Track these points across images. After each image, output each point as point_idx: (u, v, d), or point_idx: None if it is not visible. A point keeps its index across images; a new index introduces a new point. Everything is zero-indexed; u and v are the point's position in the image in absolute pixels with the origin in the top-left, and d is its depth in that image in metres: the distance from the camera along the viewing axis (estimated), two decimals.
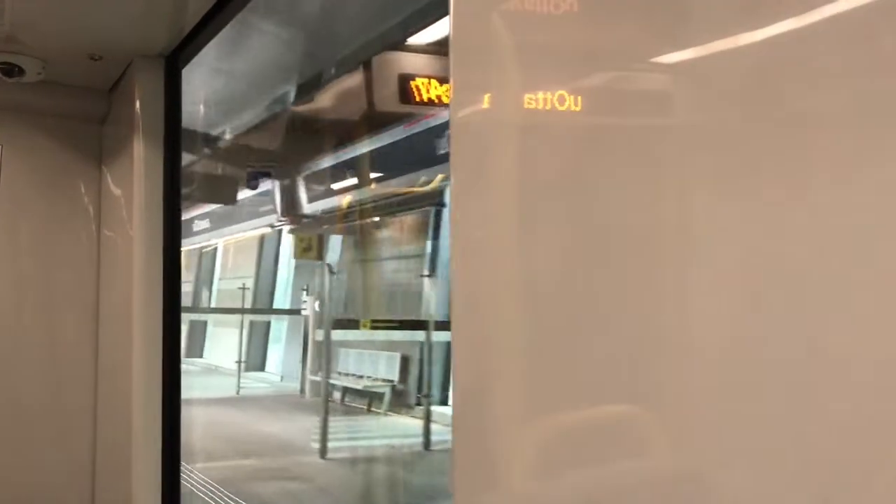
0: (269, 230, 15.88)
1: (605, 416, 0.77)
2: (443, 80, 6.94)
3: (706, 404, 0.66)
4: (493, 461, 0.91)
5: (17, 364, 2.62)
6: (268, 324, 18.44)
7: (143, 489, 2.25)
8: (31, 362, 2.65)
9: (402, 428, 11.19)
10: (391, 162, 10.71)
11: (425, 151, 9.32)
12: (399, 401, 12.30)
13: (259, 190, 11.42)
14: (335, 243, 14.33)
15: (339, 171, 11.73)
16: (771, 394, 0.60)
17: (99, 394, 2.67)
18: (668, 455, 0.71)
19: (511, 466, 0.90)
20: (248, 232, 17.14)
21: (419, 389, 11.71)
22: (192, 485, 7.33)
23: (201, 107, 7.69)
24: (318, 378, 12.66)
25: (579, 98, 0.80)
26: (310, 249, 13.08)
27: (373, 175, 11.58)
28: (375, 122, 9.28)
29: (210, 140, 10.04)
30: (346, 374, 13.38)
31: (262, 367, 18.06)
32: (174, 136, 2.38)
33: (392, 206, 12.64)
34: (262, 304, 18.13)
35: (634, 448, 0.74)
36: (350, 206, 12.90)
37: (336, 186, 12.24)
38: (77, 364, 2.67)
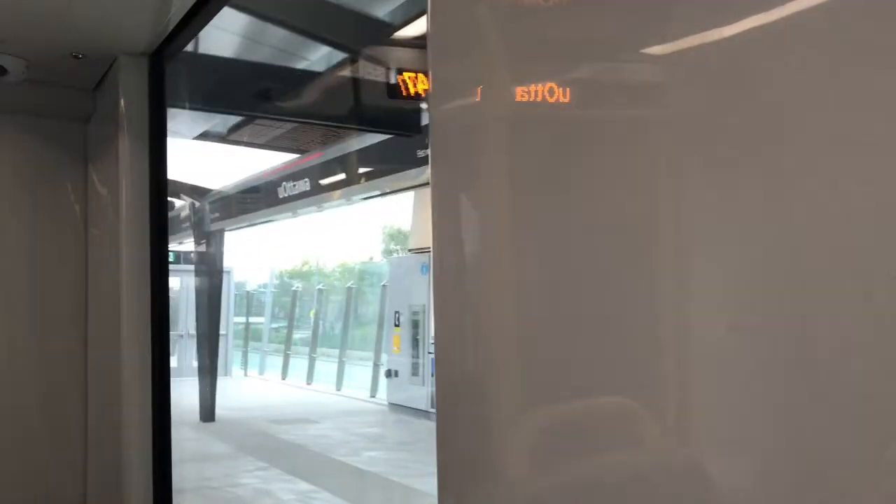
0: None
1: (592, 410, 0.77)
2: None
3: (699, 396, 0.66)
4: (477, 457, 0.90)
5: (7, 363, 2.61)
6: None
7: (135, 484, 2.25)
8: (20, 361, 2.65)
9: None
10: None
11: None
12: None
13: None
14: None
15: None
16: (768, 385, 0.59)
17: (89, 391, 2.67)
18: (659, 447, 0.70)
19: (496, 462, 0.89)
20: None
21: None
22: None
23: None
24: None
25: (561, 90, 0.80)
26: None
27: None
28: None
29: None
30: None
31: None
32: (159, 133, 2.37)
33: None
34: None
35: (622, 440, 0.74)
36: None
37: None
38: (67, 361, 2.68)
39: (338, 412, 11.89)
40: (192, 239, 12.47)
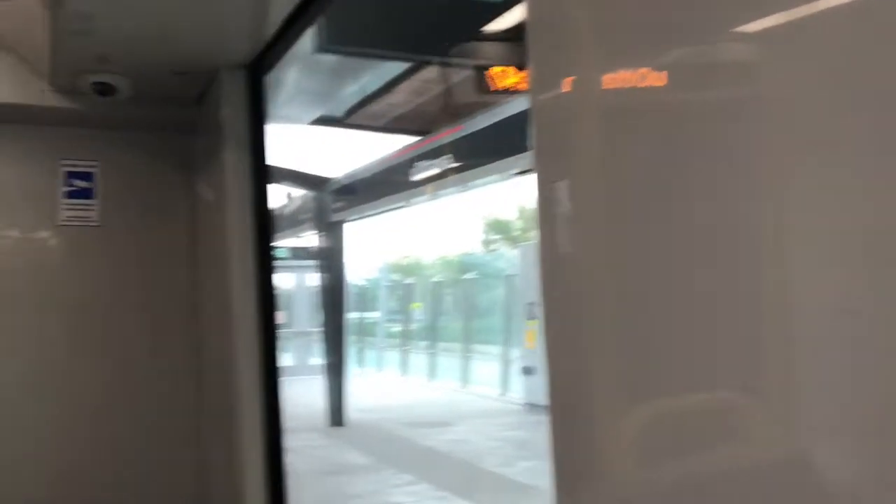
0: None
1: (703, 405, 0.80)
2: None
3: (810, 392, 0.68)
4: (590, 453, 0.94)
5: (122, 366, 2.93)
6: None
7: (250, 482, 2.46)
8: (135, 363, 2.96)
9: None
10: None
11: None
12: None
13: None
14: None
15: None
16: (878, 379, 0.60)
17: (203, 391, 2.96)
18: (771, 441, 0.73)
19: (609, 457, 0.93)
20: None
21: None
22: None
23: None
24: None
25: (663, 75, 0.81)
26: None
27: None
28: None
29: None
30: None
31: None
32: (259, 142, 2.56)
33: None
34: None
35: (733, 434, 0.76)
36: None
37: None
38: (179, 362, 2.97)
39: (471, 413, 11.72)
40: (311, 232, 12.92)
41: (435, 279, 19.69)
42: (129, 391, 2.93)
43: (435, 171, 9.82)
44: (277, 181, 11.86)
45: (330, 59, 6.42)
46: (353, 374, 17.13)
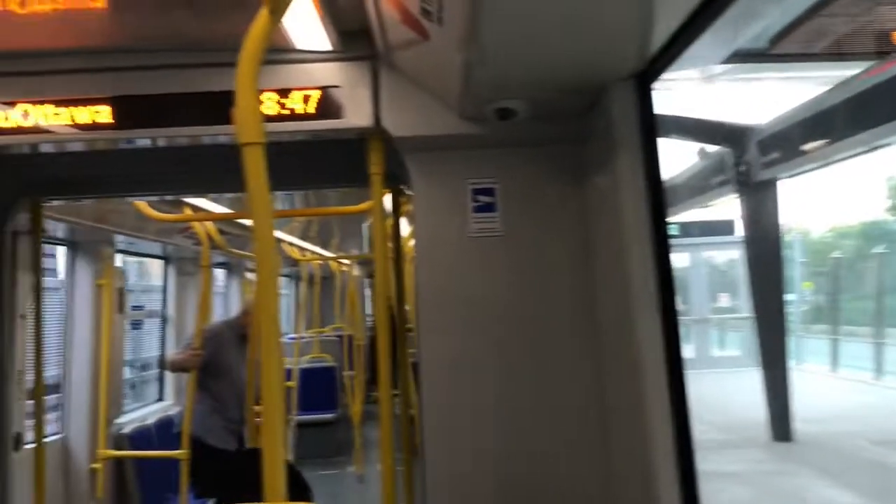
0: None
1: None
2: None
3: None
4: None
5: (527, 367, 3.51)
6: None
7: (664, 489, 2.77)
8: (538, 366, 3.52)
9: None
10: None
11: None
12: None
13: None
14: None
15: None
16: None
17: (606, 393, 3.38)
18: None
19: None
20: None
21: None
22: None
23: None
24: None
25: None
26: None
27: None
28: None
29: None
30: None
31: None
32: (651, 147, 2.91)
33: None
34: None
35: None
36: None
37: None
38: (579, 364, 3.45)
39: None
40: (722, 198, 12.30)
41: (834, 254, 17.72)
42: (535, 394, 3.50)
43: None
44: (674, 135, 11.66)
45: None
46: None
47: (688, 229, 16.26)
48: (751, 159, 11.91)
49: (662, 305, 2.84)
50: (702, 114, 11.93)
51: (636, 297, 2.88)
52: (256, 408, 6.79)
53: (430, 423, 3.53)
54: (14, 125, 3.45)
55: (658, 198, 2.89)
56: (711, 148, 12.83)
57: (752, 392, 10.79)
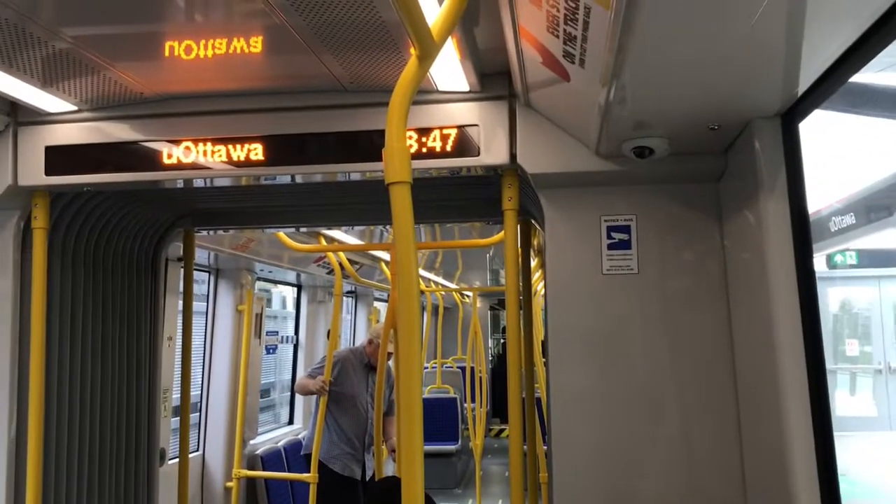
0: None
1: None
2: None
3: None
4: None
5: (659, 411, 3.47)
6: None
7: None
8: (670, 408, 3.47)
9: None
10: None
11: None
12: None
13: None
14: None
15: None
16: None
17: (743, 434, 3.31)
18: None
19: None
20: None
21: None
22: None
23: None
24: None
25: None
26: None
27: None
28: None
29: None
30: None
31: None
32: (798, 187, 2.80)
33: None
34: None
35: None
36: None
37: None
38: (715, 404, 3.39)
39: None
40: None
41: None
42: (668, 435, 3.44)
43: None
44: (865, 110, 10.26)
45: None
46: None
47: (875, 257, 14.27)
48: None
49: (808, 349, 2.75)
50: None
51: (779, 342, 2.79)
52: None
53: (559, 460, 3.52)
54: (175, 161, 3.72)
55: (805, 237, 2.81)
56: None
57: None
